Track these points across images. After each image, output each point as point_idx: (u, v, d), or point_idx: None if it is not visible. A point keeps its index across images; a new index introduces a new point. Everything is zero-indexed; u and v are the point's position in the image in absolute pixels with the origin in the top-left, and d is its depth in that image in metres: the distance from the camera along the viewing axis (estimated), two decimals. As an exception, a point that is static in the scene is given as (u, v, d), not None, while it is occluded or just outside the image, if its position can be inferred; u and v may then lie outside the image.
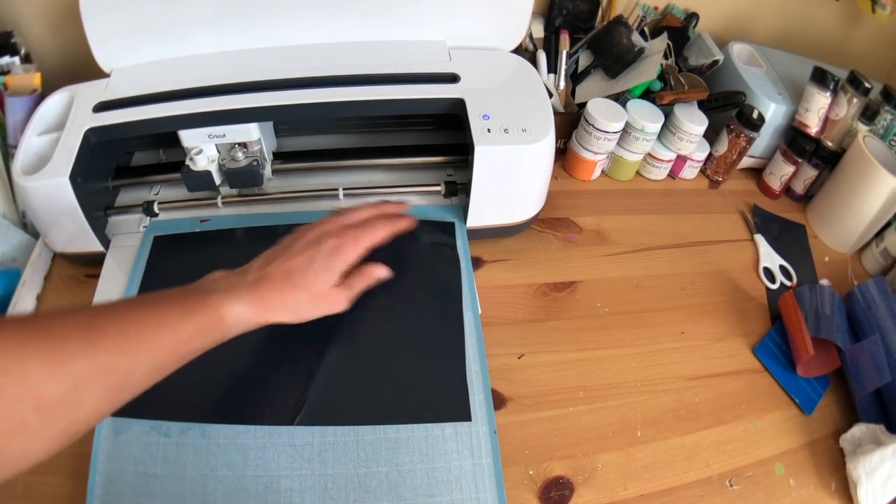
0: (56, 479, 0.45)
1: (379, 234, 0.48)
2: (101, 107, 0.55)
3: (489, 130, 0.54)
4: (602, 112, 0.69)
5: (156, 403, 0.47)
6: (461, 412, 0.49)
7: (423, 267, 0.57)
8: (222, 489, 0.44)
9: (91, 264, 0.58)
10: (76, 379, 0.30)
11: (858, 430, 0.55)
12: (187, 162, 0.57)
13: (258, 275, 0.42)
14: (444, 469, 0.46)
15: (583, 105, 0.71)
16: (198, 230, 0.59)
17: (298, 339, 0.51)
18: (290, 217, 0.60)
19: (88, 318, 0.33)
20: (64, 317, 0.32)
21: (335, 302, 0.46)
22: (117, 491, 0.44)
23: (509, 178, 0.58)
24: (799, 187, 0.80)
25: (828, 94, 0.71)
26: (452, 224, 0.61)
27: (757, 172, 0.82)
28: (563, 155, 0.77)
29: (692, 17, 0.81)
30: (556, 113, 0.63)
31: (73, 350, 0.30)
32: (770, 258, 0.72)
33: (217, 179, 0.59)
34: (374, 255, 0.57)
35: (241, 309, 0.40)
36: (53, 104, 0.57)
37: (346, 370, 0.50)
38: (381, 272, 0.49)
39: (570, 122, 0.74)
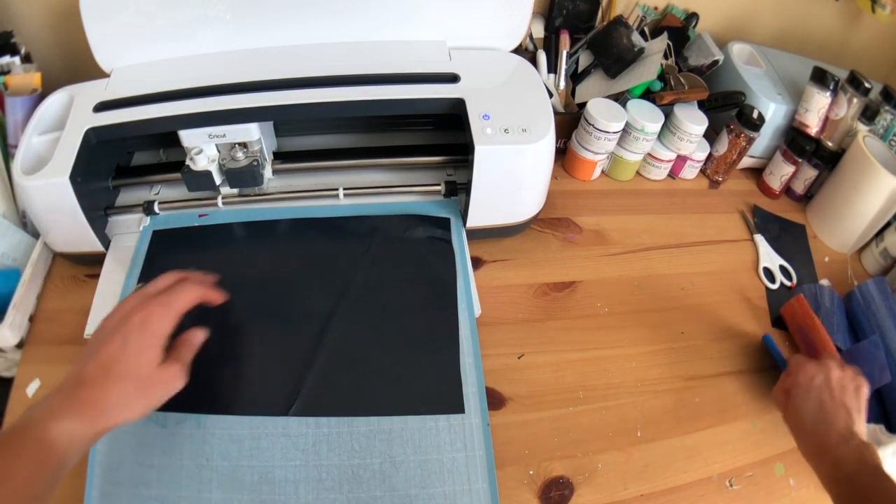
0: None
1: (189, 296, 0.43)
2: (101, 107, 0.55)
3: (489, 130, 0.54)
4: (602, 112, 0.69)
5: None
6: (454, 405, 0.49)
7: (418, 261, 0.57)
8: (217, 479, 0.45)
9: (91, 264, 0.58)
10: None
11: (858, 430, 0.55)
12: (187, 162, 0.57)
13: (75, 381, 0.38)
14: (436, 461, 0.46)
15: (583, 105, 0.71)
16: (196, 224, 0.59)
17: (293, 331, 0.52)
18: (289, 212, 0.60)
19: None
20: None
21: (168, 382, 0.41)
22: (116, 481, 0.44)
23: (509, 178, 0.58)
24: (799, 187, 0.80)
25: (828, 94, 0.71)
26: (448, 220, 0.61)
27: (757, 172, 0.82)
28: (563, 155, 0.77)
29: (692, 17, 0.81)
30: (556, 113, 0.63)
31: None
32: (770, 258, 0.72)
33: (217, 179, 0.59)
34: (371, 251, 0.57)
35: (69, 426, 0.35)
36: (53, 104, 0.57)
37: (341, 362, 0.50)
38: (200, 335, 0.45)
39: (570, 122, 0.74)
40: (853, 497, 0.43)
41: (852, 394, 0.50)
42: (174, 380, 0.41)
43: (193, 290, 0.44)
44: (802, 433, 0.49)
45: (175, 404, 0.47)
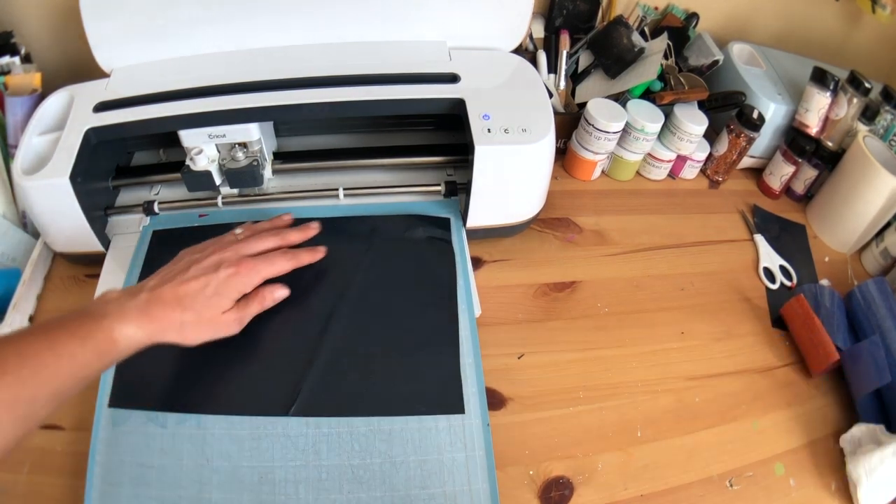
0: (56, 479, 0.46)
1: (278, 268, 0.49)
2: (102, 107, 0.55)
3: (489, 130, 0.54)
4: (602, 112, 0.69)
5: (153, 395, 0.48)
6: (454, 405, 0.49)
7: (418, 261, 0.57)
8: (217, 479, 0.45)
9: (91, 264, 0.58)
10: None
11: (858, 430, 0.55)
12: (187, 162, 0.57)
13: (150, 295, 0.43)
14: (436, 461, 0.46)
15: (583, 105, 0.71)
16: (196, 224, 0.59)
17: (293, 331, 0.52)
18: (289, 212, 0.60)
19: None
20: None
21: (224, 326, 0.46)
22: (116, 481, 0.44)
23: (509, 178, 0.58)
24: (799, 187, 0.80)
25: (828, 94, 0.71)
26: (448, 220, 0.61)
27: (757, 172, 0.82)
28: (563, 155, 0.77)
29: (692, 17, 0.81)
30: (556, 113, 0.63)
31: None
32: (770, 258, 0.72)
33: (217, 179, 0.59)
34: (371, 251, 0.57)
35: (132, 331, 0.40)
36: (53, 104, 0.57)
37: (341, 362, 0.50)
38: (279, 293, 0.49)
39: (570, 122, 0.74)
40: None
41: None
42: (229, 327, 0.46)
43: (284, 264, 0.49)
44: None
45: (175, 404, 0.47)
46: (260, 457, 0.46)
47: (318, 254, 0.53)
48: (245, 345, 0.51)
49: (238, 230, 0.51)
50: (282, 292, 0.50)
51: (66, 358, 0.37)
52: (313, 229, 0.54)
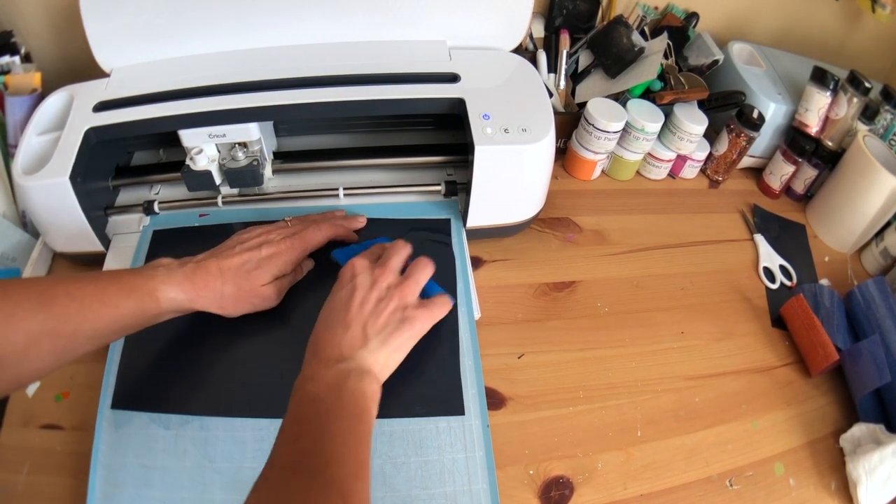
0: (56, 479, 0.46)
1: (313, 238, 0.53)
2: (101, 106, 0.55)
3: (489, 130, 0.54)
4: (602, 112, 0.69)
5: (156, 397, 0.48)
6: (455, 407, 0.49)
7: None
8: (220, 481, 0.45)
9: (91, 264, 0.58)
10: (27, 338, 0.36)
11: (858, 429, 0.55)
12: (187, 161, 0.57)
13: (196, 266, 0.46)
14: (437, 462, 0.46)
15: (583, 105, 0.71)
16: (196, 224, 0.59)
17: (294, 332, 0.51)
18: (289, 212, 0.60)
19: (43, 288, 0.38)
20: (22, 283, 0.39)
21: (263, 298, 0.49)
22: (118, 482, 0.44)
23: (509, 178, 0.58)
24: (799, 187, 0.80)
25: (828, 93, 0.71)
26: (448, 220, 0.61)
27: (757, 172, 0.82)
28: (563, 155, 0.77)
29: (692, 16, 0.81)
30: (556, 113, 0.63)
31: (25, 314, 0.36)
32: (770, 258, 0.72)
33: (217, 179, 0.59)
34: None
35: (174, 294, 0.44)
36: (53, 104, 0.57)
37: None
38: (307, 265, 0.54)
39: (570, 121, 0.74)
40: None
41: (391, 314, 0.46)
42: (266, 301, 0.50)
43: (317, 235, 0.53)
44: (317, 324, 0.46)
45: (179, 406, 0.47)
46: (263, 458, 0.45)
47: (355, 222, 0.57)
48: (247, 347, 0.51)
49: (288, 217, 0.55)
50: (307, 266, 0.55)
51: (111, 306, 0.40)
52: (360, 222, 0.58)
